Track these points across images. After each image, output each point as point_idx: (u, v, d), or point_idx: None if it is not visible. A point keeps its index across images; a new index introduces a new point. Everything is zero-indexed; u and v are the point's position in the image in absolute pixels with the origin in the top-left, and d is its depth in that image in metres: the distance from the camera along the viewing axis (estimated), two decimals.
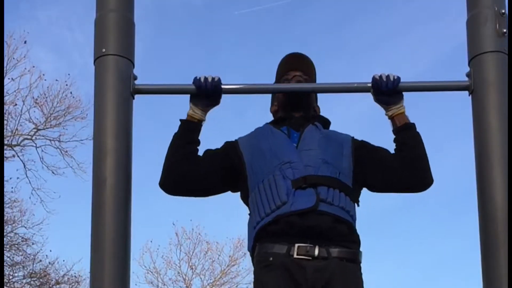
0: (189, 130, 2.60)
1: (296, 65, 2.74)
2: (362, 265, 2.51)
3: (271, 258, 2.42)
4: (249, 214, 2.59)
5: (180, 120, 2.62)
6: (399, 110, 2.57)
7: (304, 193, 2.44)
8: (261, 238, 2.48)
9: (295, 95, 2.70)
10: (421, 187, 2.59)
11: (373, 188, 2.65)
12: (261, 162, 2.54)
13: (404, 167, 2.54)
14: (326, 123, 2.75)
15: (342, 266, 2.41)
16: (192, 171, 2.57)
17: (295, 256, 2.40)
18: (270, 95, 2.86)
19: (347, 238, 2.47)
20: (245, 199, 2.64)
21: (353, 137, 2.67)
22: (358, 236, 2.53)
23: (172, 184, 2.60)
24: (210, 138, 2.65)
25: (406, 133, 2.57)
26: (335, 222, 2.44)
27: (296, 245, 2.41)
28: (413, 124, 2.59)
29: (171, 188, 2.61)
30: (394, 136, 2.60)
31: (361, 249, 2.53)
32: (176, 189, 2.62)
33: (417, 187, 2.59)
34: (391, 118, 2.59)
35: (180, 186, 2.60)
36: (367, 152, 2.62)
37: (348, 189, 2.51)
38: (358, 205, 2.57)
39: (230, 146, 2.65)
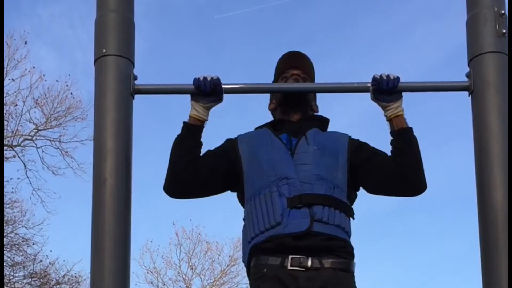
0: (193, 134, 2.59)
1: (295, 63, 2.73)
2: (355, 274, 2.52)
3: (265, 270, 2.45)
4: (244, 221, 2.60)
5: (184, 122, 2.60)
6: (397, 112, 2.56)
7: (299, 214, 2.45)
8: (255, 253, 2.50)
9: (292, 94, 2.69)
10: (413, 193, 2.59)
11: (369, 190, 2.66)
12: (258, 173, 2.54)
13: (398, 175, 2.54)
14: (324, 123, 2.74)
15: (334, 275, 2.43)
16: (196, 178, 2.58)
17: (288, 267, 2.42)
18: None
19: (341, 250, 2.48)
20: (240, 200, 2.66)
21: (350, 137, 2.67)
22: (352, 248, 2.54)
23: (177, 190, 2.61)
24: (212, 137, 2.65)
25: (402, 138, 2.56)
26: (329, 240, 2.45)
27: (290, 256, 2.43)
28: (411, 129, 2.57)
29: (176, 193, 2.62)
30: (391, 138, 2.60)
31: (355, 260, 2.54)
32: (181, 194, 2.64)
33: (410, 193, 2.59)
34: (389, 120, 2.58)
35: (185, 191, 2.62)
36: (366, 155, 2.61)
37: (343, 205, 2.51)
38: (353, 219, 2.58)
39: (231, 146, 2.65)
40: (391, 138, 2.60)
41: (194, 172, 2.57)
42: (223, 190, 2.69)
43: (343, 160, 2.57)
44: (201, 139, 2.61)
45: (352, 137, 2.68)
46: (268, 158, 2.56)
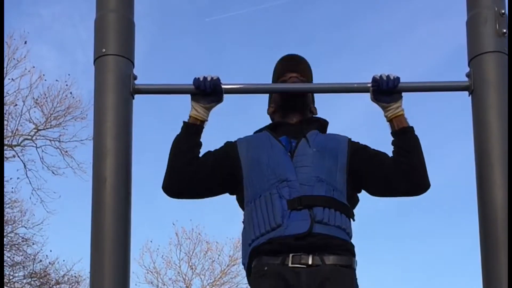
0: (192, 134, 2.60)
1: (293, 67, 2.74)
2: (357, 271, 2.51)
3: (266, 268, 2.45)
4: (243, 224, 2.60)
5: (184, 122, 2.61)
6: (398, 112, 2.56)
7: (299, 215, 2.45)
8: (255, 255, 2.50)
9: (291, 97, 2.69)
10: (417, 193, 2.59)
11: (372, 193, 2.66)
12: (259, 176, 2.55)
13: (401, 174, 2.54)
14: (323, 125, 2.74)
15: (336, 270, 2.43)
16: (195, 177, 2.58)
17: (290, 265, 2.43)
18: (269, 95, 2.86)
19: (341, 248, 2.48)
20: (240, 202, 2.66)
21: (350, 139, 2.66)
22: (353, 247, 2.54)
23: (176, 189, 2.62)
24: (213, 136, 2.65)
25: (403, 137, 2.56)
26: (330, 239, 2.45)
27: (291, 255, 2.43)
28: (412, 128, 2.57)
29: (174, 193, 2.64)
30: (392, 138, 2.59)
31: (356, 258, 2.53)
32: (179, 194, 2.65)
33: (414, 193, 2.60)
34: (390, 120, 2.58)
35: (183, 191, 2.63)
36: (366, 156, 2.61)
37: (343, 206, 2.51)
38: (353, 220, 2.58)
39: (230, 149, 2.65)
40: (392, 138, 2.59)
41: (192, 171, 2.57)
42: (221, 191, 2.69)
43: (342, 162, 2.57)
44: (201, 140, 2.61)
45: (352, 139, 2.67)
46: (268, 161, 2.55)
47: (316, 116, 2.79)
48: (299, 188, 2.48)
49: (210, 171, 2.60)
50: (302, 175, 2.51)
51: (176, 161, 2.58)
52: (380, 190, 2.63)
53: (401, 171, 2.54)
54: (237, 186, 2.62)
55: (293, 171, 2.51)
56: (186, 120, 2.60)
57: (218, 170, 2.61)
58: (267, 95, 2.84)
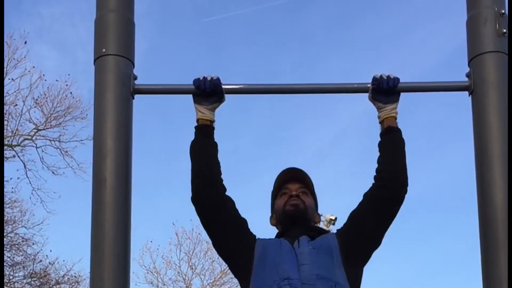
0: (205, 135, 2.60)
1: (293, 176, 2.74)
2: None
3: None
4: None
5: (195, 127, 2.60)
6: (391, 113, 2.57)
7: None
8: None
9: (292, 216, 2.67)
10: (398, 188, 2.55)
11: (379, 232, 2.62)
12: (263, 272, 2.52)
13: (382, 175, 2.55)
14: (319, 233, 2.69)
15: None
16: (217, 179, 2.58)
17: None
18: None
19: None
20: None
21: (336, 233, 2.64)
22: None
23: (200, 188, 2.56)
24: (215, 136, 2.64)
25: (388, 136, 2.58)
26: None
27: None
28: (399, 129, 2.58)
29: (199, 192, 2.57)
30: (379, 140, 2.60)
31: None
32: (204, 193, 2.57)
33: (395, 189, 2.55)
34: (382, 121, 2.59)
35: (207, 188, 2.57)
36: (350, 228, 2.60)
37: None
38: None
39: (252, 238, 2.63)
40: (379, 139, 2.60)
41: (215, 174, 2.57)
42: (227, 239, 2.62)
43: (337, 258, 2.54)
44: (215, 140, 2.61)
45: (337, 230, 2.66)
46: (274, 257, 2.53)
47: (318, 225, 2.76)
48: (301, 287, 2.44)
49: (233, 211, 2.60)
50: (303, 273, 2.47)
51: (199, 161, 2.57)
52: (379, 218, 2.58)
53: (381, 173, 2.55)
54: (243, 270, 2.59)
55: (296, 270, 2.48)
56: (196, 125, 2.60)
57: (237, 216, 2.61)
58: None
